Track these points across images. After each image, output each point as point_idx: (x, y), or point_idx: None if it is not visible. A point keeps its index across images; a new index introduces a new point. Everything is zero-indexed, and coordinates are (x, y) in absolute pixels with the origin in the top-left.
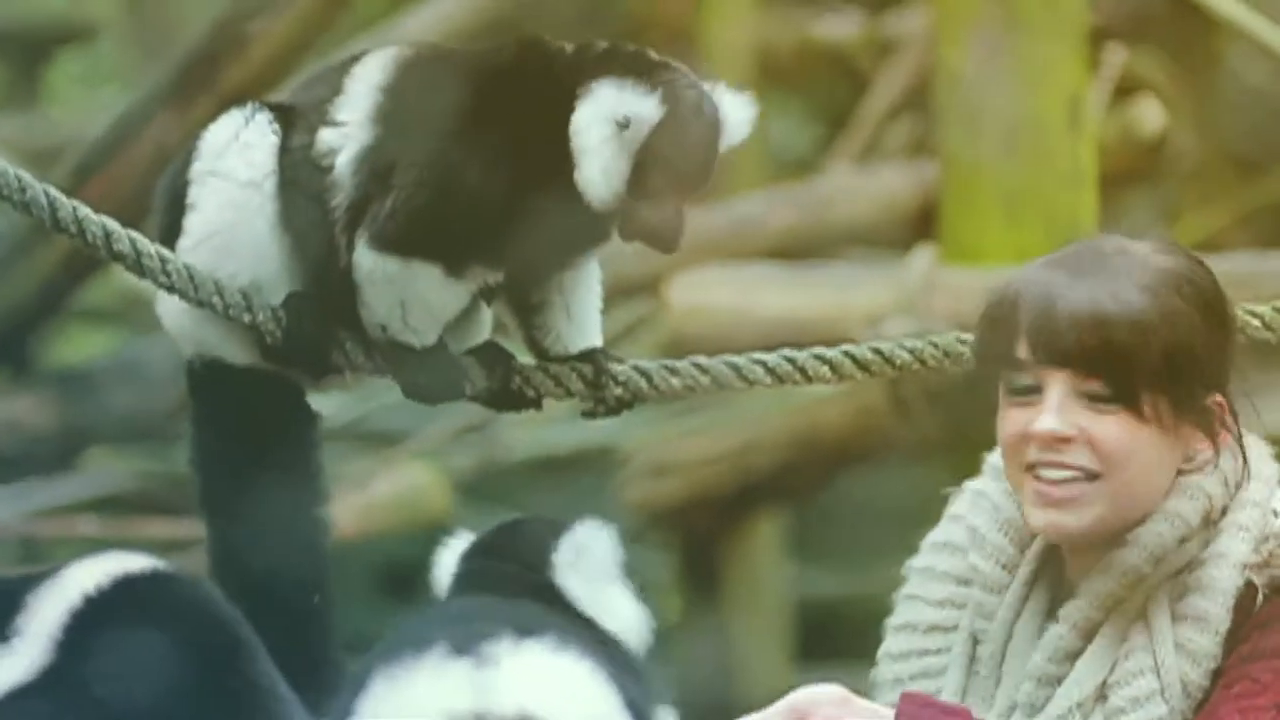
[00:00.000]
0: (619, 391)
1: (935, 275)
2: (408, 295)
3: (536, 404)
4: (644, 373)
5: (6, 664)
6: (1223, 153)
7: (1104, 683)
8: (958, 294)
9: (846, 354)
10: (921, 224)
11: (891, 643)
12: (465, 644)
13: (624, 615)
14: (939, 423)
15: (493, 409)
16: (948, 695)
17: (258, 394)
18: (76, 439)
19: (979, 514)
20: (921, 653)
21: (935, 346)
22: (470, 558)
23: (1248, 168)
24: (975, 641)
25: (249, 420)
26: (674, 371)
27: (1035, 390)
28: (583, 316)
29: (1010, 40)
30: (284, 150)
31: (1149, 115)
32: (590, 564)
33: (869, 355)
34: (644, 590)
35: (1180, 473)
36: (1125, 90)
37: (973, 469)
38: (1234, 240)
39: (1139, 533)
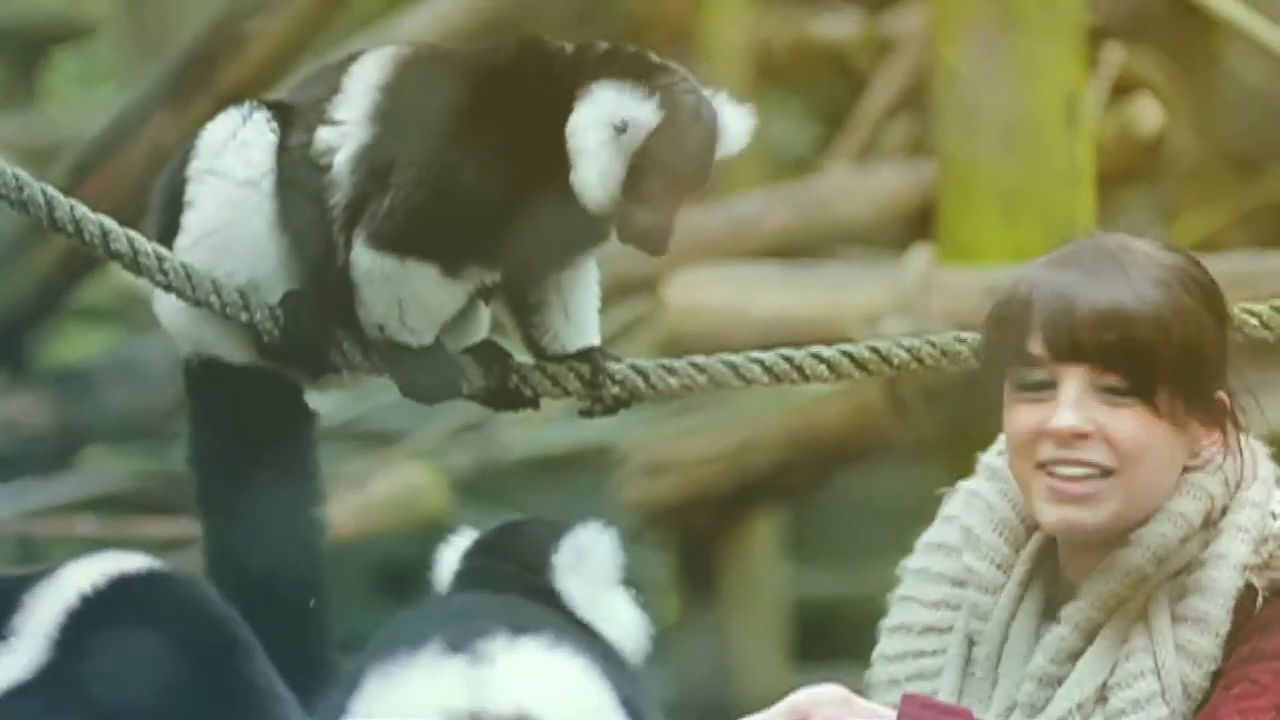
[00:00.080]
0: (616, 390)
1: (933, 274)
2: (405, 294)
3: (534, 403)
4: (641, 372)
5: (3, 663)
6: (1221, 152)
7: (1104, 684)
8: (955, 293)
9: (844, 353)
10: (919, 223)
11: (886, 644)
12: (460, 641)
13: (623, 620)
14: (937, 422)
15: (490, 408)
16: (943, 697)
17: (255, 393)
18: (74, 438)
19: (973, 514)
20: (917, 654)
21: (933, 345)
22: (471, 557)
23: (1246, 167)
24: (970, 643)
25: (246, 419)
26: (671, 370)
27: (1048, 386)
28: (580, 316)
29: (1008, 39)
30: (282, 149)
31: (1147, 114)
32: (591, 567)
33: (866, 354)
34: (643, 594)
35: (1186, 469)
36: (1123, 89)
37: (970, 468)
38: (1232, 240)
39: (1142, 533)
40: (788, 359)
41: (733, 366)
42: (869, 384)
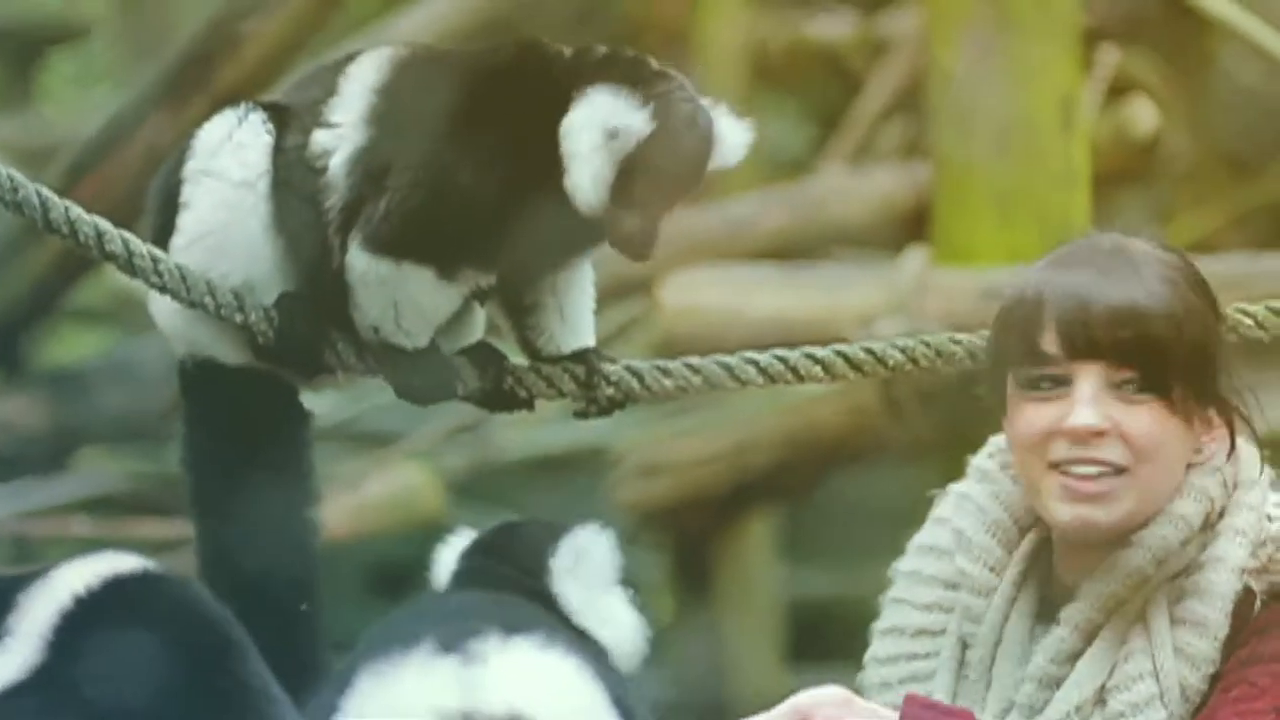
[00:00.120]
0: (611, 392)
1: (928, 276)
2: (400, 297)
3: (528, 404)
4: (636, 373)
5: None
6: (1216, 153)
7: (1102, 686)
8: (950, 294)
9: (839, 354)
10: (914, 225)
11: (878, 647)
12: (452, 641)
13: (620, 623)
14: (932, 423)
15: (485, 409)
16: (937, 699)
17: (250, 393)
18: (69, 439)
19: (964, 517)
20: (909, 657)
21: (928, 346)
22: (468, 557)
23: (1241, 168)
24: (964, 645)
25: (241, 420)
26: (666, 372)
27: (1059, 384)
28: (575, 317)
29: (1003, 41)
30: (278, 150)
31: (1142, 116)
32: (588, 569)
33: (861, 355)
34: (639, 595)
35: (1188, 467)
36: (1118, 91)
37: (965, 470)
38: (1227, 241)
39: (1143, 534)
40: (782, 360)
41: (727, 367)
42: (864, 385)
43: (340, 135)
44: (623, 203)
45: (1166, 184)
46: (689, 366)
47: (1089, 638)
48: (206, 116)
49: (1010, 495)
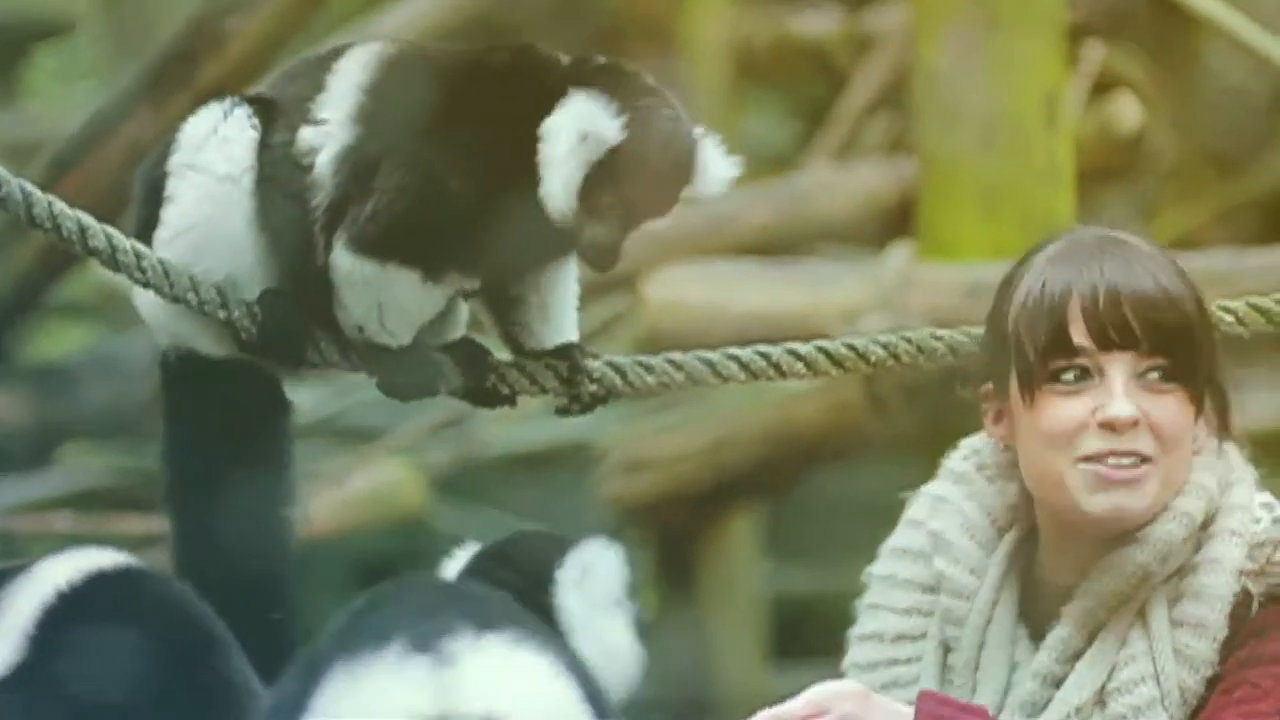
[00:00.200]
0: (594, 388)
1: (912, 271)
2: (385, 298)
3: (511, 400)
4: (619, 369)
5: None
6: (1201, 150)
7: (1102, 687)
8: (935, 290)
9: (821, 350)
10: (899, 220)
11: (858, 653)
12: (423, 640)
13: (617, 643)
14: (915, 419)
15: (468, 404)
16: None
17: (233, 385)
18: (53, 434)
19: (941, 519)
20: (890, 662)
21: (910, 343)
22: (475, 563)
23: (1225, 165)
24: (946, 649)
25: (224, 412)
26: (649, 368)
27: (1084, 377)
28: (559, 313)
29: (988, 37)
30: (264, 146)
31: (1127, 112)
32: (594, 584)
33: (844, 351)
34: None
35: None
36: (1103, 87)
37: None
38: (1211, 238)
39: (1149, 531)
40: (765, 356)
41: (710, 364)
42: (847, 381)
43: (327, 133)
44: (589, 211)
45: (1151, 180)
46: (671, 362)
47: (1091, 636)
48: (190, 113)
49: (987, 497)
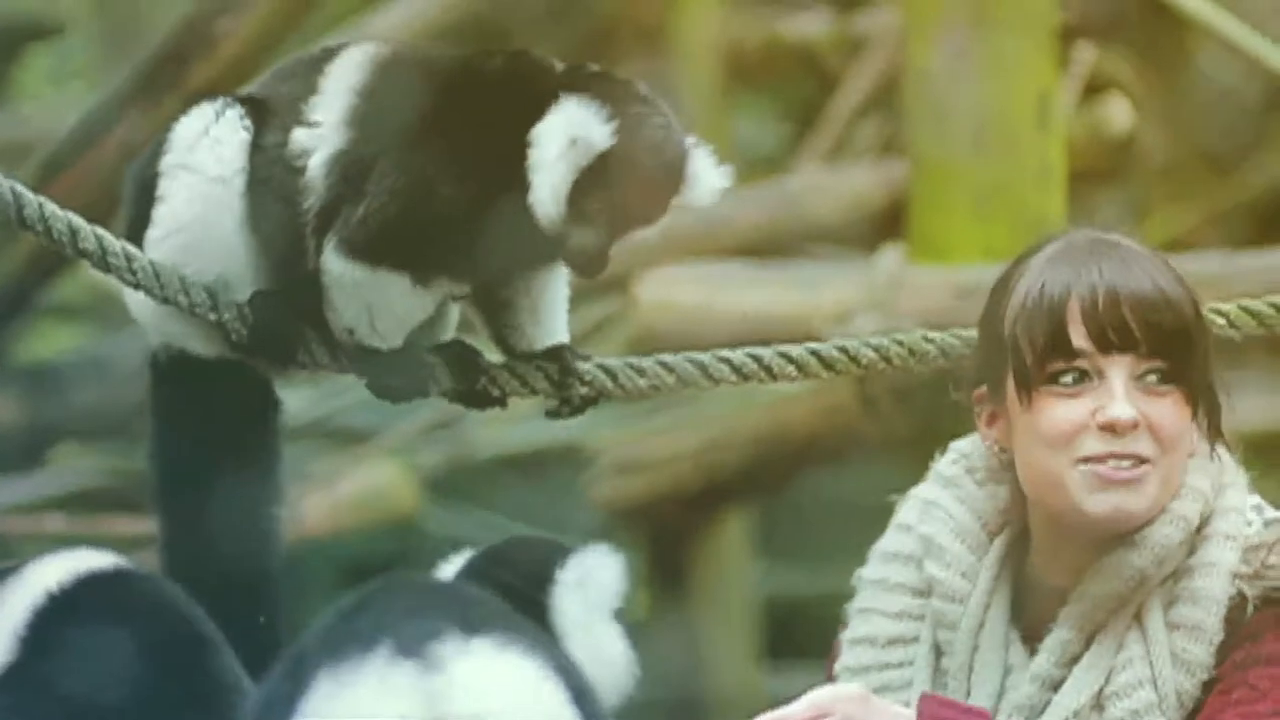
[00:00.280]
0: (584, 391)
1: (903, 273)
2: (375, 302)
3: (501, 402)
4: (609, 371)
5: None
6: (1192, 152)
7: (1099, 691)
8: (926, 292)
9: (812, 352)
10: (890, 222)
11: (849, 657)
12: (410, 644)
13: (613, 649)
14: (907, 421)
15: (459, 405)
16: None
17: (223, 384)
18: (45, 435)
19: (932, 523)
20: (882, 666)
21: (901, 345)
22: (474, 564)
23: (1217, 167)
24: (938, 653)
25: (213, 411)
26: (640, 370)
27: (1083, 379)
28: (549, 315)
29: (979, 38)
30: (256, 147)
31: (1118, 114)
32: (593, 589)
33: (834, 354)
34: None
35: None
36: (1094, 89)
37: None
38: (1203, 240)
39: (1147, 534)
40: (756, 358)
41: (701, 366)
42: (839, 383)
43: (320, 135)
44: (577, 216)
45: (1142, 182)
46: (663, 365)
47: (1089, 639)
48: (181, 114)
49: (977, 500)
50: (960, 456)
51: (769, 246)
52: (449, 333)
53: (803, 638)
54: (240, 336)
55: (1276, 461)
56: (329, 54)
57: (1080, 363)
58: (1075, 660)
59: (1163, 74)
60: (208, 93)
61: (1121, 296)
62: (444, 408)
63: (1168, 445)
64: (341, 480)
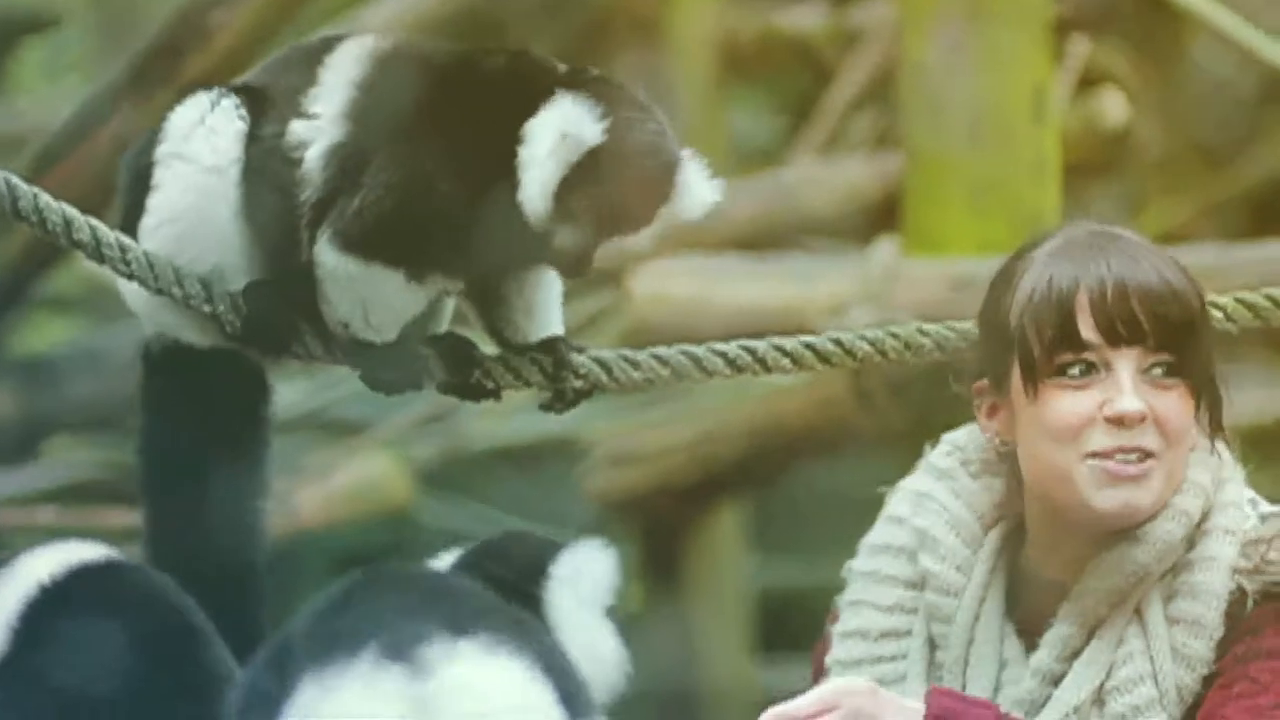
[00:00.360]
0: (578, 384)
1: (898, 266)
2: (368, 295)
3: (495, 394)
4: (603, 364)
5: None
6: (1187, 145)
7: (1100, 686)
8: (921, 285)
9: (806, 345)
10: (885, 215)
11: (841, 650)
12: (397, 648)
13: (604, 644)
14: (902, 414)
15: (452, 397)
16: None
17: (217, 373)
18: (39, 427)
19: (926, 516)
20: (875, 660)
21: (896, 338)
22: (468, 557)
23: (1212, 160)
24: (932, 646)
25: (206, 401)
26: (634, 363)
27: (1089, 371)
28: (543, 309)
29: (974, 31)
30: (254, 138)
31: (1113, 107)
32: (585, 584)
33: (829, 346)
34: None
35: None
36: (1089, 82)
37: None
38: (1199, 232)
39: (1149, 529)
40: (750, 351)
41: (695, 359)
42: (834, 375)
43: (318, 128)
44: (563, 215)
45: (1137, 175)
46: (657, 357)
47: (1090, 634)
48: (174, 107)
49: (972, 493)
50: (954, 449)
51: (764, 239)
52: (444, 325)
53: (797, 630)
54: (234, 327)
55: (1271, 455)
56: (329, 44)
57: (1088, 355)
58: (1076, 655)
59: (1157, 67)
60: (202, 85)
61: (1130, 289)
62: (438, 400)
63: (1173, 439)
64: (335, 472)
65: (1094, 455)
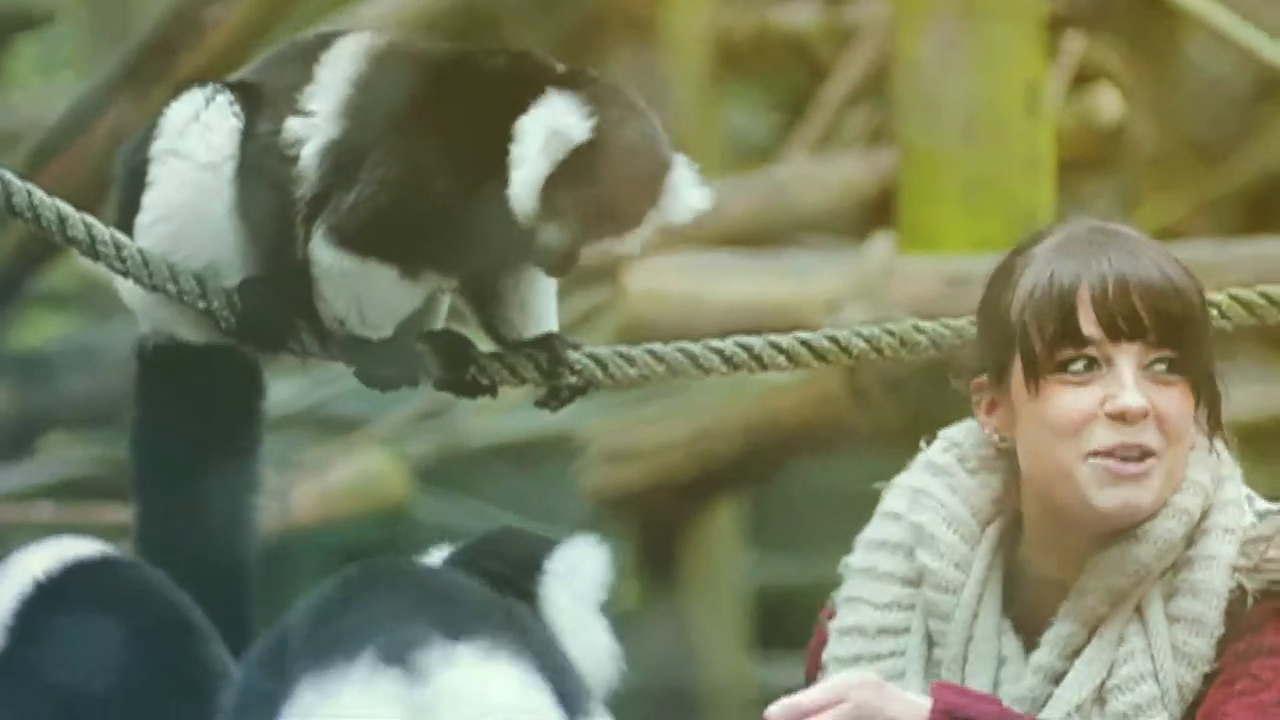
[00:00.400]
0: (574, 380)
1: (893, 263)
2: (364, 292)
3: (491, 391)
4: (599, 360)
5: None
6: (1181, 141)
7: (1101, 684)
8: (916, 281)
9: (802, 342)
10: (880, 212)
11: (838, 647)
12: (395, 652)
13: (596, 645)
14: (897, 410)
15: (448, 393)
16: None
17: (212, 369)
18: (35, 424)
19: (924, 512)
20: (873, 657)
21: (891, 335)
22: (463, 552)
23: (1206, 156)
24: (930, 643)
25: (201, 398)
26: (629, 360)
27: (1091, 368)
28: (538, 305)
29: (968, 28)
30: (250, 134)
31: (1107, 103)
32: (580, 580)
33: (825, 343)
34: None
35: None
36: (1083, 78)
37: None
38: (1193, 229)
39: (1150, 527)
40: (745, 348)
41: (691, 355)
42: (829, 372)
43: (314, 125)
44: (549, 212)
45: (1132, 171)
46: (652, 354)
47: (1091, 632)
48: (169, 103)
49: (969, 490)
50: (951, 445)
51: (759, 235)
52: (439, 322)
53: (793, 627)
54: (229, 324)
55: (1268, 452)
56: (325, 41)
57: (1089, 351)
58: (1077, 653)
59: (1152, 63)
60: (196, 81)
61: (1131, 284)
62: (434, 396)
63: (1173, 437)
64: (332, 468)
65: (1095, 454)
